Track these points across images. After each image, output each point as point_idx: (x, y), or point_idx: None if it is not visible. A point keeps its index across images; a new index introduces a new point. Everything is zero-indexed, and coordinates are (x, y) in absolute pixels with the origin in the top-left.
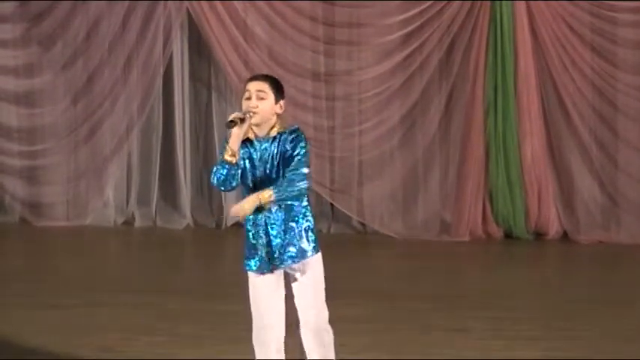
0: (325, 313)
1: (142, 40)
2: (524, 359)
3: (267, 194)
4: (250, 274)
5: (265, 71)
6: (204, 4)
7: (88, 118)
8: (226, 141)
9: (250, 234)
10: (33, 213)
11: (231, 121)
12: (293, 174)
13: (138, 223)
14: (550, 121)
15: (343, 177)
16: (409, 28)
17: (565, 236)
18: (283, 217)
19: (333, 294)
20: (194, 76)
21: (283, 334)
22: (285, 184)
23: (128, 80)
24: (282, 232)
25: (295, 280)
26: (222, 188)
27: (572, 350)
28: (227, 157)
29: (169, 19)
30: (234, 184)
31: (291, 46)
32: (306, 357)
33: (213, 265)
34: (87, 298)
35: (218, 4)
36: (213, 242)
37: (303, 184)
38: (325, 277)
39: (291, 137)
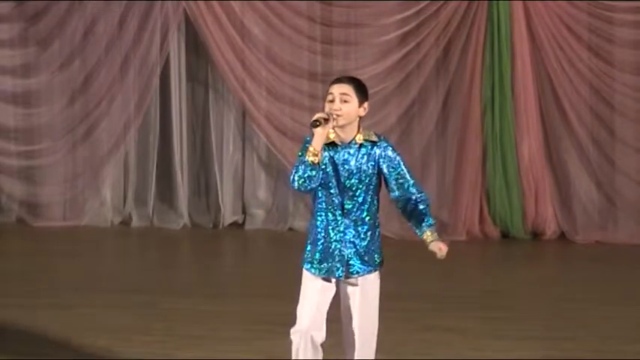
0: (376, 322)
1: (139, 40)
2: (521, 358)
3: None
4: (309, 275)
5: (263, 71)
6: (201, 4)
7: (85, 118)
8: (307, 142)
9: (327, 238)
10: (30, 213)
11: (316, 120)
12: (420, 191)
13: (135, 223)
14: (547, 121)
15: None
16: (406, 28)
17: (562, 236)
18: (366, 227)
19: None
20: (191, 76)
21: (324, 337)
22: (426, 205)
23: (125, 80)
24: (364, 248)
25: (354, 285)
26: (302, 189)
27: (570, 350)
28: (310, 158)
29: (166, 19)
30: (313, 185)
31: (289, 46)
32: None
33: (210, 265)
34: (84, 298)
35: (215, 4)
36: (211, 242)
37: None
38: None
39: (388, 148)
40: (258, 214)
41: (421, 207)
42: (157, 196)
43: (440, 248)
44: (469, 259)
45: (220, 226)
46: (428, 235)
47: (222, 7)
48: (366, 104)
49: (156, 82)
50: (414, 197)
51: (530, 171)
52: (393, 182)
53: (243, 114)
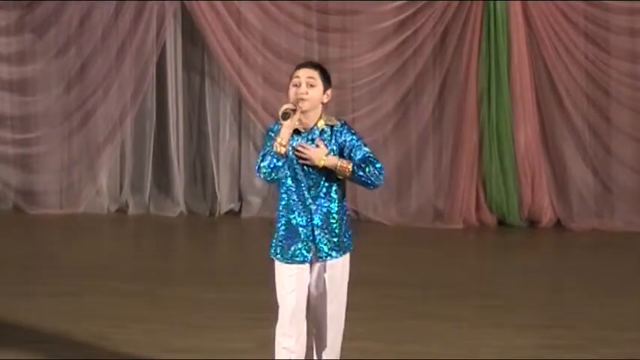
0: (344, 308)
1: (135, 28)
2: (517, 347)
3: (347, 165)
4: (282, 265)
5: (259, 59)
6: None
7: (81, 105)
8: (271, 131)
9: (293, 223)
10: (26, 201)
11: (285, 112)
12: (373, 161)
13: (131, 211)
14: (543, 109)
15: None
16: (403, 16)
17: (558, 223)
18: (332, 211)
19: None
20: (187, 64)
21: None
22: (369, 166)
23: (121, 68)
24: (333, 232)
25: (323, 271)
26: (269, 179)
27: (567, 338)
28: (278, 149)
29: (162, 6)
30: (280, 175)
31: (285, 33)
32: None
33: (206, 252)
34: (80, 285)
35: None
36: (207, 230)
37: (382, 177)
38: None
39: (346, 131)
40: (255, 201)
41: (368, 162)
42: (154, 184)
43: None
44: (465, 247)
45: (217, 214)
46: (346, 163)
47: None
48: (329, 91)
49: (152, 70)
50: (366, 158)
51: (527, 159)
52: (343, 150)
53: (240, 102)
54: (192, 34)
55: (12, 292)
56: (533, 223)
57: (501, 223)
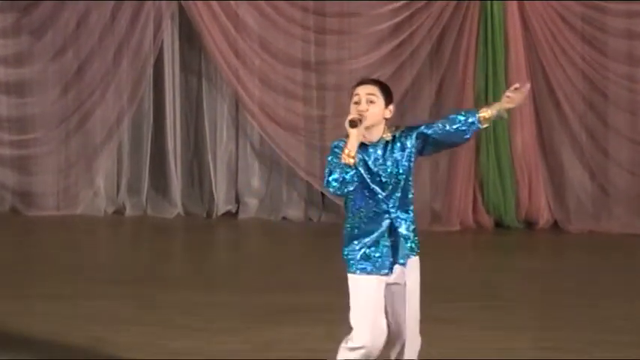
0: (418, 307)
1: (133, 30)
2: (514, 348)
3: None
4: (361, 278)
5: (256, 61)
6: None
7: (78, 107)
8: (336, 147)
9: (374, 235)
10: (23, 202)
11: (353, 120)
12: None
13: (128, 213)
14: (541, 111)
15: None
16: (399, 18)
17: (555, 225)
18: (412, 220)
19: (324, 284)
20: (185, 66)
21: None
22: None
23: (119, 70)
24: (411, 235)
25: (403, 275)
26: (339, 192)
27: (563, 340)
28: (348, 160)
29: (160, 8)
30: (350, 187)
31: (282, 35)
32: None
33: (203, 254)
34: (77, 287)
35: None
36: (204, 231)
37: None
38: (316, 267)
39: (406, 129)
40: (252, 203)
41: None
42: (151, 186)
43: (509, 96)
44: (462, 249)
45: (214, 216)
46: (484, 111)
47: None
48: (391, 106)
49: (149, 72)
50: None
51: (524, 160)
52: (438, 135)
53: (237, 103)
54: (189, 36)
55: (9, 294)
56: (530, 224)
57: (498, 224)
